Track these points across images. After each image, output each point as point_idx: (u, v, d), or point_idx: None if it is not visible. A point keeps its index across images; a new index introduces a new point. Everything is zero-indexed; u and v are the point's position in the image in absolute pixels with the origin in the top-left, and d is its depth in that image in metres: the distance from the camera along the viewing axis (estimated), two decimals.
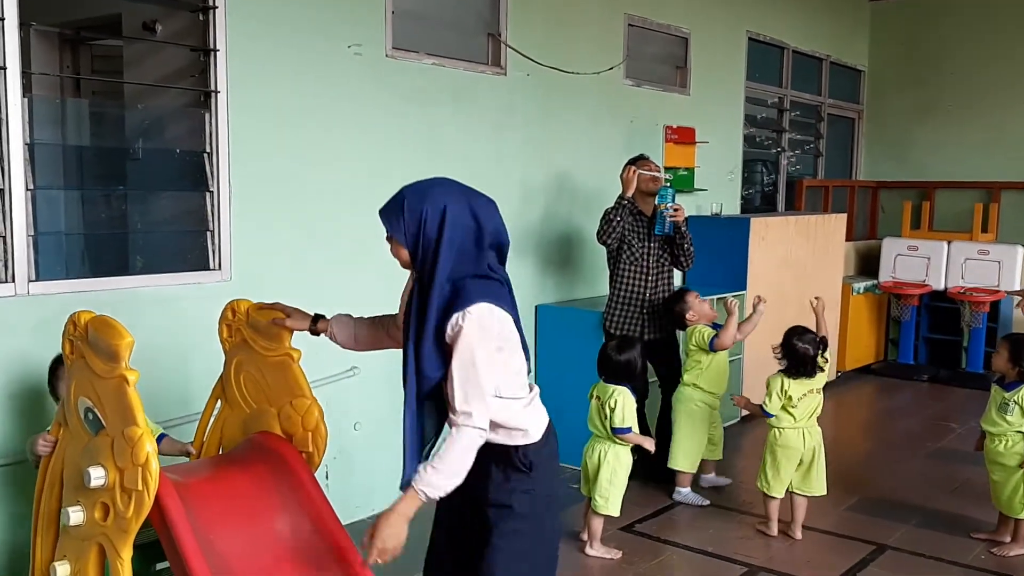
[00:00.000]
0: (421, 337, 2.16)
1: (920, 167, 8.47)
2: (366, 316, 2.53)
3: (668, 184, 4.76)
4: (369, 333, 2.49)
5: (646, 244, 4.73)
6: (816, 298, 4.42)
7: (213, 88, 3.54)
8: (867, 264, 8.23)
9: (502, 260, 2.32)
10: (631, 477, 4.86)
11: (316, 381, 3.39)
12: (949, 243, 7.50)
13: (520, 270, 5.06)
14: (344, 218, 4.02)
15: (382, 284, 4.21)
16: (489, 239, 2.25)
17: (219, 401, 2.69)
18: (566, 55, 5.18)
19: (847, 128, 8.84)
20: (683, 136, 6.11)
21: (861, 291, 7.59)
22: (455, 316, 2.12)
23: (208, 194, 3.58)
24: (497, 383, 2.20)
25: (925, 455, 5.37)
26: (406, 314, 2.28)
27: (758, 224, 6.12)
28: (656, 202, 4.68)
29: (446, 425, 2.17)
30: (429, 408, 2.21)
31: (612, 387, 3.96)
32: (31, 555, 2.54)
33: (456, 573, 2.35)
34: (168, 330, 3.41)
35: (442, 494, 2.12)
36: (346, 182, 4.04)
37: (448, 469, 2.10)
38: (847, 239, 7.45)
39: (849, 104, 8.66)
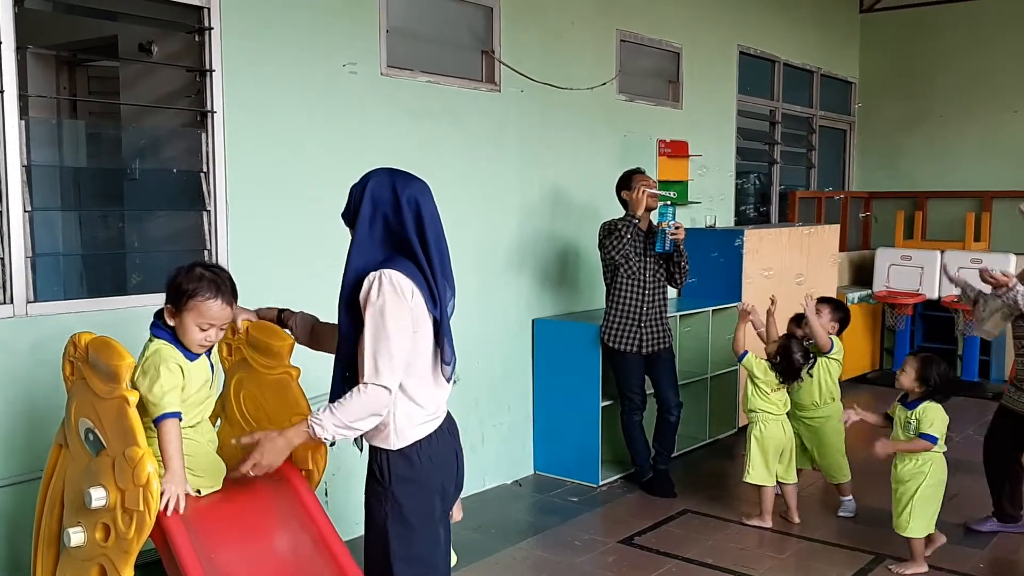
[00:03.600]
0: (341, 296, 2.32)
1: (912, 177, 8.53)
2: (326, 322, 2.63)
3: (669, 203, 4.79)
4: (324, 334, 2.59)
5: (643, 259, 4.75)
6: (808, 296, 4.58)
7: (209, 108, 3.56)
8: (861, 274, 8.27)
9: (440, 248, 2.37)
10: (632, 491, 4.90)
11: (315, 398, 3.40)
12: (942, 252, 7.54)
13: (517, 284, 5.09)
14: (341, 236, 4.02)
15: None
16: (408, 211, 2.32)
17: (219, 419, 2.70)
18: (559, 71, 5.22)
19: (839, 139, 8.89)
20: (676, 150, 6.14)
21: (855, 301, 7.62)
22: (368, 277, 2.25)
23: (205, 213, 3.60)
24: (408, 358, 2.24)
25: None
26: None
27: (752, 236, 6.15)
28: (657, 219, 4.71)
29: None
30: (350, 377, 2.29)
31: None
32: (31, 575, 2.54)
33: None
34: None
35: (329, 436, 2.21)
36: (342, 200, 4.04)
37: (343, 417, 2.18)
38: (840, 249, 7.49)
39: (840, 116, 8.71)
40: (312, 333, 2.62)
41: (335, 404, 2.19)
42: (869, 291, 7.80)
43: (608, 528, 4.40)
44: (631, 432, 4.93)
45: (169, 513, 2.17)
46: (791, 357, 4.30)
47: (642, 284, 4.79)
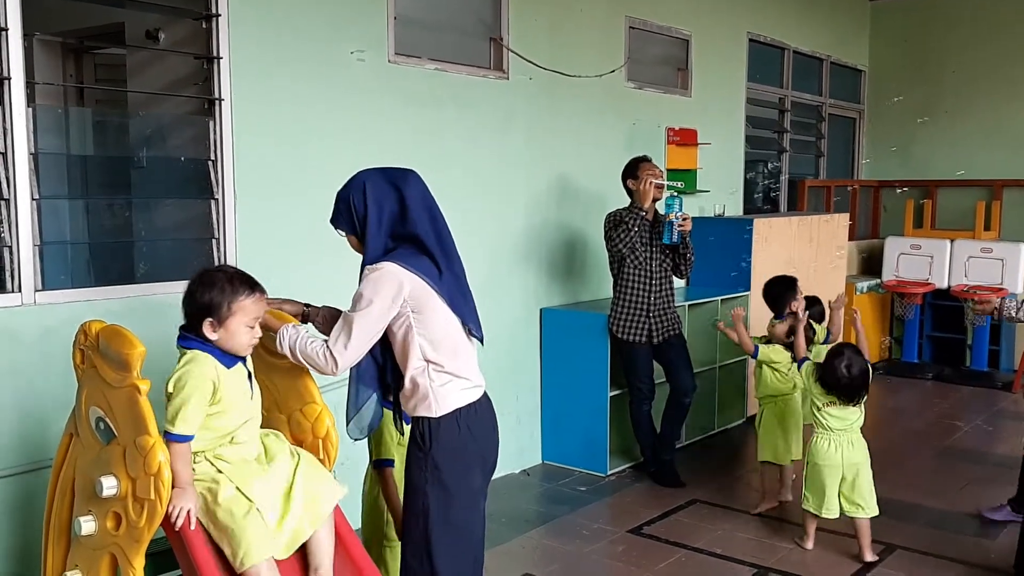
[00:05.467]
0: None
1: (922, 166, 8.48)
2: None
3: (677, 194, 4.76)
4: None
5: (649, 248, 4.73)
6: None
7: (217, 96, 3.54)
8: (870, 264, 8.23)
9: (437, 227, 2.49)
10: (641, 481, 4.88)
11: (325, 387, 3.39)
12: (952, 241, 7.51)
13: (525, 273, 5.06)
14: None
15: None
16: (413, 202, 2.45)
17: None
18: (568, 58, 5.19)
19: (848, 128, 8.84)
20: (685, 138, 6.11)
21: (865, 290, 7.59)
22: (366, 268, 2.39)
23: (213, 201, 3.58)
24: (421, 345, 2.39)
25: (932, 454, 5.37)
26: None
27: (761, 225, 6.12)
28: (664, 211, 4.68)
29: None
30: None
31: None
32: (42, 564, 2.53)
33: None
34: (175, 339, 3.40)
35: (277, 342, 2.39)
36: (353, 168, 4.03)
37: (291, 345, 2.38)
38: (850, 239, 7.45)
39: (850, 104, 8.66)
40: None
41: (300, 337, 2.38)
42: (878, 280, 7.77)
43: (617, 517, 4.39)
44: (640, 422, 4.92)
45: (178, 527, 2.14)
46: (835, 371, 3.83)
47: (649, 274, 4.76)
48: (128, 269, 3.74)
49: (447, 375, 2.42)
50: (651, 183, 4.57)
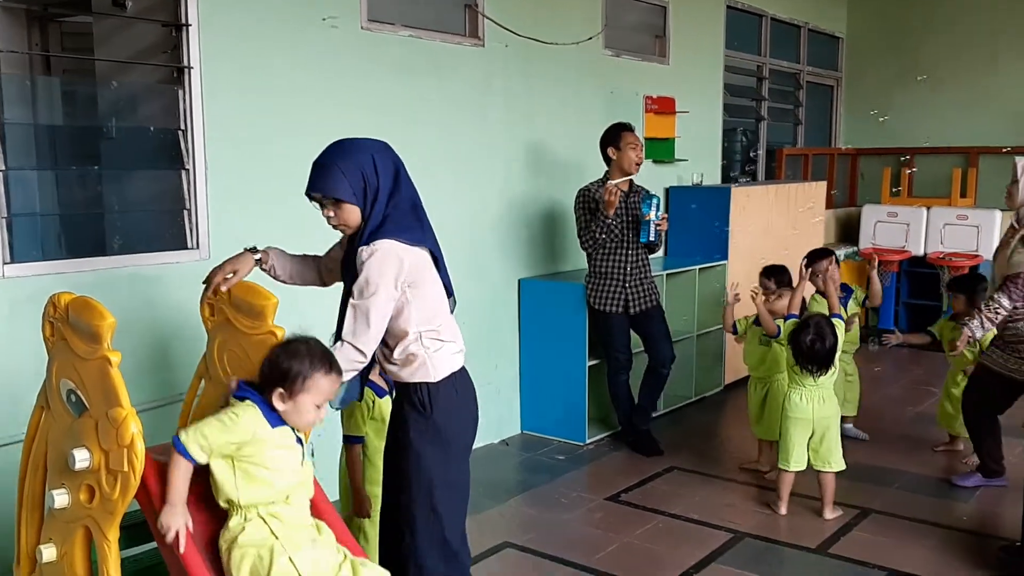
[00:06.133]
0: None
1: (899, 133, 8.50)
2: (296, 253, 2.70)
3: (654, 195, 4.78)
4: (304, 269, 2.69)
5: (623, 219, 4.71)
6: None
7: (186, 64, 3.48)
8: (847, 231, 8.27)
9: (416, 193, 2.54)
10: (619, 450, 4.91)
11: None
12: (928, 209, 7.55)
13: (502, 244, 5.04)
14: None
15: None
16: (403, 170, 2.50)
17: (203, 380, 2.66)
18: (544, 25, 5.13)
19: (826, 96, 8.84)
20: (663, 106, 6.08)
21: (842, 258, 7.62)
22: (362, 248, 2.36)
23: (184, 172, 3.53)
24: (412, 318, 2.42)
25: (906, 419, 5.43)
26: (344, 264, 2.51)
27: (739, 193, 6.12)
28: (643, 211, 4.69)
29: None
30: None
31: None
32: (16, 538, 2.51)
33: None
34: (148, 311, 3.38)
35: None
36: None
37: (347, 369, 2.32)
38: (827, 206, 7.47)
39: (828, 71, 8.65)
40: (291, 269, 2.67)
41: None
42: (855, 248, 7.81)
43: (595, 486, 4.42)
44: (617, 391, 4.94)
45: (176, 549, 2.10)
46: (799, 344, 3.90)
47: (625, 245, 4.76)
48: (99, 241, 3.68)
49: (440, 341, 2.48)
50: (617, 193, 4.53)
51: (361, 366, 2.38)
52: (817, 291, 4.71)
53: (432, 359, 2.46)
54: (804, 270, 4.37)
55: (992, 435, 4.29)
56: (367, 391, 2.91)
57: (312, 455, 3.81)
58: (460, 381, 2.53)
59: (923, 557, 3.57)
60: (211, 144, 3.56)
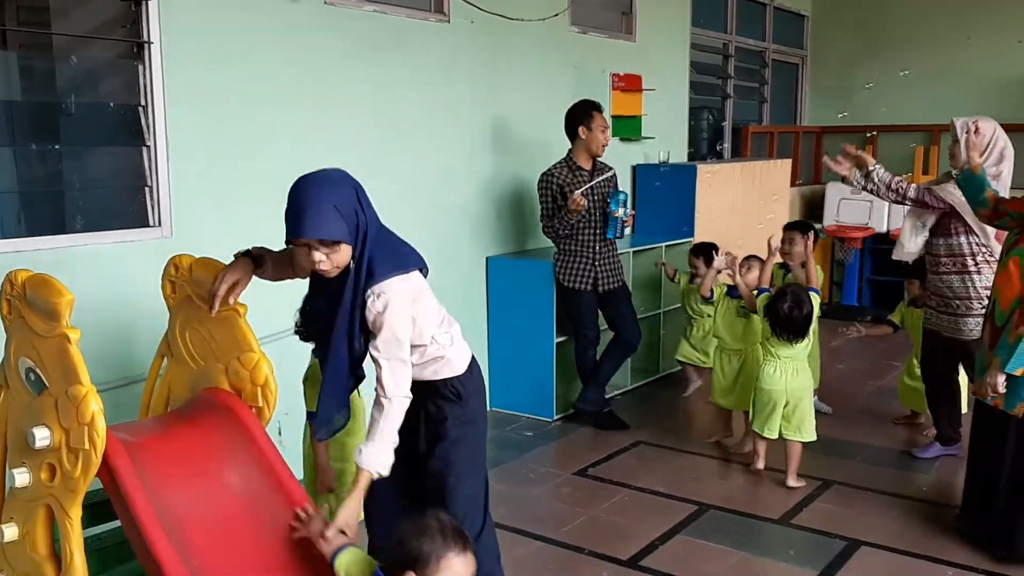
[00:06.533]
0: (352, 316, 2.32)
1: (863, 111, 8.58)
2: (279, 251, 2.56)
3: (622, 192, 4.83)
4: (280, 267, 2.56)
5: (591, 198, 4.72)
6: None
7: (146, 39, 3.42)
8: (812, 209, 8.35)
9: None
10: (586, 425, 4.95)
11: (266, 337, 3.36)
12: None
13: (470, 221, 5.04)
14: (288, 168, 3.94)
15: None
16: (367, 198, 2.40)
17: (165, 359, 2.64)
18: (511, 1, 5.10)
19: (791, 74, 8.89)
20: (629, 84, 6.09)
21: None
22: (369, 298, 2.29)
23: (145, 148, 3.49)
24: (424, 331, 2.43)
25: (869, 393, 5.53)
26: (331, 292, 2.34)
27: (705, 171, 6.16)
28: (611, 207, 4.74)
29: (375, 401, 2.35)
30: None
31: None
32: None
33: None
34: (109, 289, 3.34)
35: (387, 467, 2.31)
36: (288, 132, 3.96)
37: (390, 441, 2.31)
38: (792, 184, 7.54)
39: (793, 49, 8.70)
40: (279, 270, 2.57)
41: (373, 436, 2.31)
42: (820, 225, 7.88)
43: (563, 461, 4.45)
44: (585, 367, 4.97)
45: None
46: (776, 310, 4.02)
47: (593, 225, 4.78)
48: (58, 219, 3.63)
49: (449, 334, 2.53)
50: (583, 201, 4.56)
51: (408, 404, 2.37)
52: (783, 264, 4.78)
53: (450, 354, 2.52)
54: (771, 244, 4.41)
55: (952, 403, 4.38)
56: None
57: (279, 432, 3.82)
58: (475, 363, 2.62)
59: (883, 527, 3.65)
60: (172, 121, 3.51)
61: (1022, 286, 3.11)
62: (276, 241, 3.89)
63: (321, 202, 2.19)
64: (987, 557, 3.34)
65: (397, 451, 2.36)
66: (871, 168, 4.11)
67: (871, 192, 4.20)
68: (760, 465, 4.17)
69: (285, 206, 2.24)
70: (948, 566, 3.32)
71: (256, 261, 2.48)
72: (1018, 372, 3.09)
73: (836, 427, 4.81)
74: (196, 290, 2.48)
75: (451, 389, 2.55)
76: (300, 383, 3.11)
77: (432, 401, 2.55)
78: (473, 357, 2.64)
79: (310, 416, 2.94)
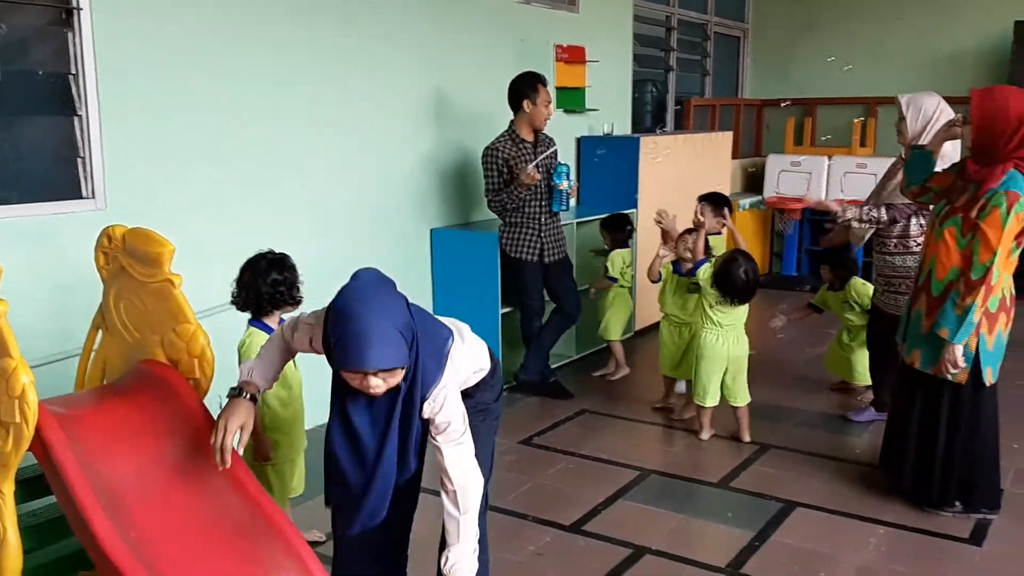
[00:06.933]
0: (407, 436, 2.18)
1: (803, 84, 8.72)
2: (267, 360, 2.35)
3: (565, 164, 4.87)
4: (275, 374, 2.37)
5: (537, 170, 4.73)
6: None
7: (74, 5, 3.32)
8: (753, 181, 8.48)
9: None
10: (530, 394, 4.99)
11: (207, 311, 3.32)
12: (829, 158, 7.79)
13: (413, 194, 5.01)
14: (227, 137, 3.89)
15: (265, 202, 4.12)
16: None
17: (100, 332, 2.60)
18: None
19: (733, 47, 8.98)
20: (573, 55, 6.09)
21: (747, 207, 7.83)
22: (426, 403, 2.14)
23: (76, 118, 3.40)
24: (466, 371, 2.32)
25: (805, 360, 5.66)
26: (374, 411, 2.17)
27: (648, 143, 6.21)
28: (554, 181, 4.77)
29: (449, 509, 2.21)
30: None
31: None
32: None
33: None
34: (42, 262, 3.26)
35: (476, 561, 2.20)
36: (225, 103, 3.89)
37: (473, 542, 2.20)
38: (733, 157, 7.64)
39: (735, 22, 8.77)
40: (273, 377, 2.37)
41: (464, 543, 2.19)
42: (760, 197, 8.02)
43: (508, 431, 4.48)
44: (531, 338, 5.00)
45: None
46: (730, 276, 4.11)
47: (538, 197, 4.81)
48: None
49: (459, 342, 2.29)
50: (536, 176, 4.58)
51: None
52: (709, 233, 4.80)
53: (469, 359, 2.34)
54: (700, 215, 4.47)
55: (891, 371, 4.50)
56: (266, 337, 2.88)
57: (220, 407, 3.78)
58: (492, 354, 2.50)
59: (817, 488, 3.76)
60: (105, 89, 3.43)
61: (960, 256, 3.20)
62: (219, 209, 3.84)
63: (385, 330, 1.96)
64: (916, 515, 3.47)
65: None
66: (840, 218, 4.17)
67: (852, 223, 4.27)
68: (707, 435, 4.27)
69: (334, 332, 2.00)
70: (879, 524, 3.44)
71: (254, 398, 2.28)
72: (964, 342, 3.20)
73: (774, 393, 4.92)
74: (130, 260, 2.44)
75: (482, 392, 2.45)
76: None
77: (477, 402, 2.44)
78: (489, 349, 2.49)
79: None
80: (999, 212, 3.08)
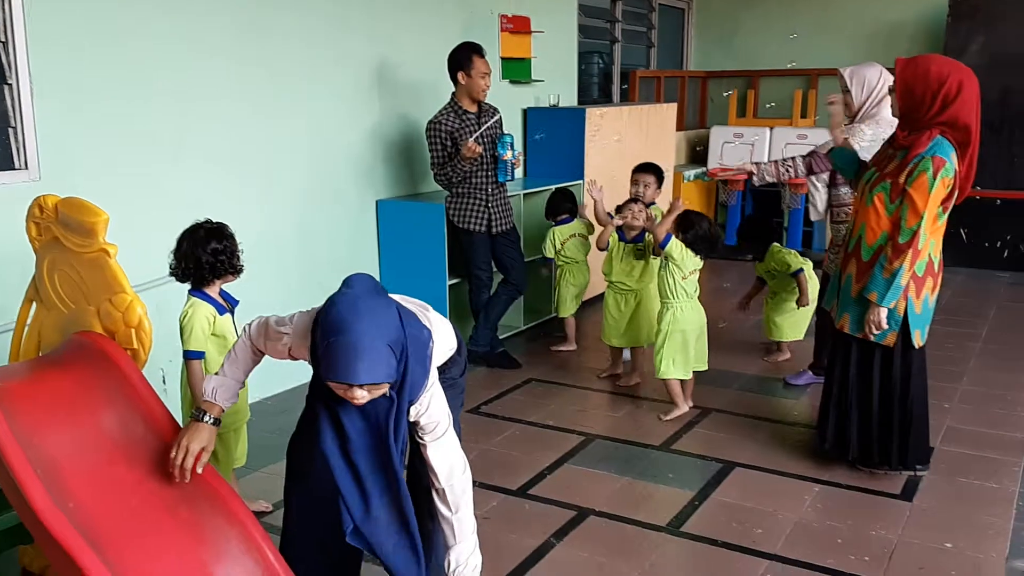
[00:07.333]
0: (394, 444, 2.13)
1: (747, 56, 8.82)
2: (232, 374, 2.29)
3: (509, 134, 4.88)
4: (248, 372, 2.33)
5: (480, 142, 4.73)
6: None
7: None
8: (697, 152, 8.58)
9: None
10: (480, 366, 5.02)
11: (146, 284, 3.29)
12: (771, 129, 7.91)
13: (358, 165, 4.99)
14: (165, 109, 3.83)
15: (205, 175, 4.07)
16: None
17: (34, 304, 2.56)
18: None
19: (678, 19, 9.03)
20: (518, 25, 6.08)
21: (691, 178, 7.93)
22: (413, 410, 2.13)
23: (7, 87, 3.31)
24: (441, 359, 2.31)
25: (747, 327, 5.77)
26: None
27: (593, 114, 6.24)
28: (499, 151, 4.79)
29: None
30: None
31: None
32: None
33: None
34: None
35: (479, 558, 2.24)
36: (164, 74, 3.82)
37: (470, 536, 2.23)
38: (678, 128, 7.71)
39: None
40: (237, 390, 2.31)
41: (459, 542, 2.21)
42: (704, 168, 8.12)
43: None
44: (479, 309, 5.03)
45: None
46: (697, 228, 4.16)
47: (484, 167, 4.81)
48: None
49: (435, 336, 2.22)
50: (478, 149, 4.58)
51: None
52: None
53: (446, 341, 2.35)
54: (645, 187, 4.60)
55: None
56: (207, 307, 2.88)
57: (164, 381, 3.75)
58: (456, 331, 2.50)
59: (754, 449, 3.87)
60: (36, 58, 3.34)
61: (889, 221, 3.29)
62: (155, 179, 3.78)
63: (376, 346, 1.92)
64: (849, 473, 3.59)
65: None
66: (755, 173, 4.21)
67: (771, 183, 4.34)
68: (686, 407, 4.25)
69: (323, 341, 1.95)
70: (814, 482, 3.55)
71: (218, 420, 2.25)
72: (891, 305, 3.29)
73: (716, 359, 4.98)
74: (63, 231, 2.40)
75: (452, 368, 2.45)
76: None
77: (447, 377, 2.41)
78: (454, 327, 2.50)
79: (187, 355, 2.89)
80: (926, 177, 3.17)
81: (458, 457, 2.22)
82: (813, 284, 4.83)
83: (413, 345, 2.05)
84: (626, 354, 4.82)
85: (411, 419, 2.15)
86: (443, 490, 2.20)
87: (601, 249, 4.72)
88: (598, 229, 4.79)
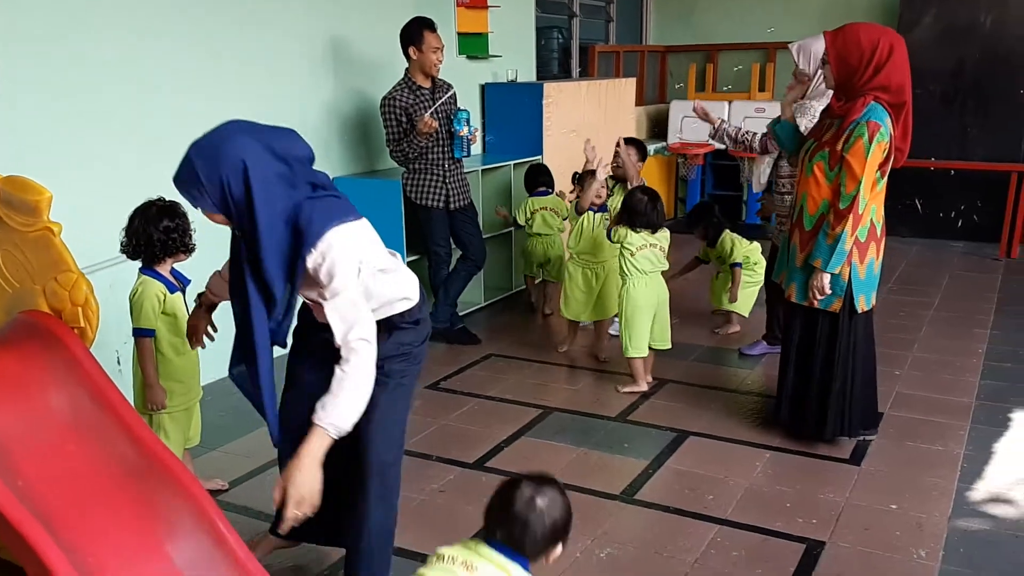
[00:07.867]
0: (268, 287, 2.08)
1: (706, 31, 8.85)
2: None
3: (465, 110, 4.87)
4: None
5: (436, 117, 4.73)
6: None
7: None
8: (657, 127, 8.62)
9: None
10: (440, 342, 5.04)
11: (99, 264, 3.26)
12: (730, 103, 7.96)
13: (314, 143, 4.92)
14: (107, 90, 3.78)
15: (154, 155, 4.04)
16: (300, 167, 2.19)
17: None
18: None
19: None
20: (475, 0, 6.06)
21: (651, 153, 7.95)
22: (309, 256, 2.04)
23: None
24: (372, 260, 2.24)
25: (705, 302, 5.84)
26: (233, 264, 2.19)
27: (551, 89, 6.24)
28: (454, 127, 4.79)
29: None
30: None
31: None
32: None
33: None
34: None
35: (349, 426, 2.08)
36: (108, 53, 3.77)
37: (357, 396, 2.08)
38: (637, 104, 7.74)
39: None
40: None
41: (339, 393, 2.05)
42: (664, 143, 8.17)
43: None
44: (438, 285, 5.04)
45: None
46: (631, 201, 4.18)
47: (441, 143, 4.82)
48: None
49: (396, 275, 2.32)
50: (433, 125, 4.58)
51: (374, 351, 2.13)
52: (614, 177, 4.92)
53: (397, 286, 2.35)
54: (627, 156, 4.74)
55: (783, 306, 4.70)
56: (158, 285, 2.87)
57: (118, 362, 3.74)
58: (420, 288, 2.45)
59: (708, 418, 3.94)
60: None
61: (830, 189, 3.35)
62: (97, 159, 3.74)
63: (189, 161, 2.09)
64: (799, 440, 3.67)
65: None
66: (716, 125, 4.36)
67: (721, 143, 4.53)
68: (645, 387, 4.27)
69: None
70: (766, 449, 3.63)
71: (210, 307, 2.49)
72: (836, 271, 3.36)
73: (673, 332, 5.07)
74: (6, 210, 2.38)
75: (405, 322, 2.39)
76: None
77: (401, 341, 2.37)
78: (422, 292, 2.47)
79: (137, 332, 2.88)
80: (862, 142, 3.23)
81: (358, 321, 2.09)
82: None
83: (257, 175, 2.05)
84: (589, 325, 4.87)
85: (308, 266, 2.06)
86: (339, 347, 2.09)
87: (579, 214, 4.62)
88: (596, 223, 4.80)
